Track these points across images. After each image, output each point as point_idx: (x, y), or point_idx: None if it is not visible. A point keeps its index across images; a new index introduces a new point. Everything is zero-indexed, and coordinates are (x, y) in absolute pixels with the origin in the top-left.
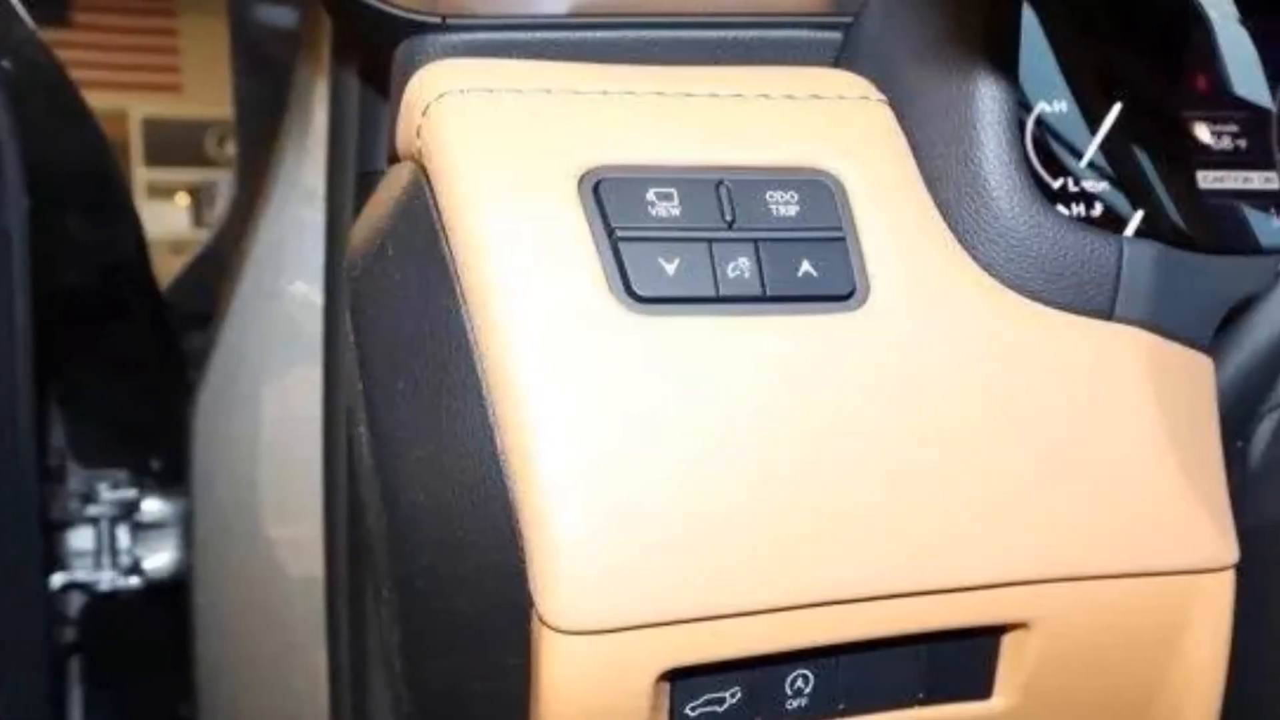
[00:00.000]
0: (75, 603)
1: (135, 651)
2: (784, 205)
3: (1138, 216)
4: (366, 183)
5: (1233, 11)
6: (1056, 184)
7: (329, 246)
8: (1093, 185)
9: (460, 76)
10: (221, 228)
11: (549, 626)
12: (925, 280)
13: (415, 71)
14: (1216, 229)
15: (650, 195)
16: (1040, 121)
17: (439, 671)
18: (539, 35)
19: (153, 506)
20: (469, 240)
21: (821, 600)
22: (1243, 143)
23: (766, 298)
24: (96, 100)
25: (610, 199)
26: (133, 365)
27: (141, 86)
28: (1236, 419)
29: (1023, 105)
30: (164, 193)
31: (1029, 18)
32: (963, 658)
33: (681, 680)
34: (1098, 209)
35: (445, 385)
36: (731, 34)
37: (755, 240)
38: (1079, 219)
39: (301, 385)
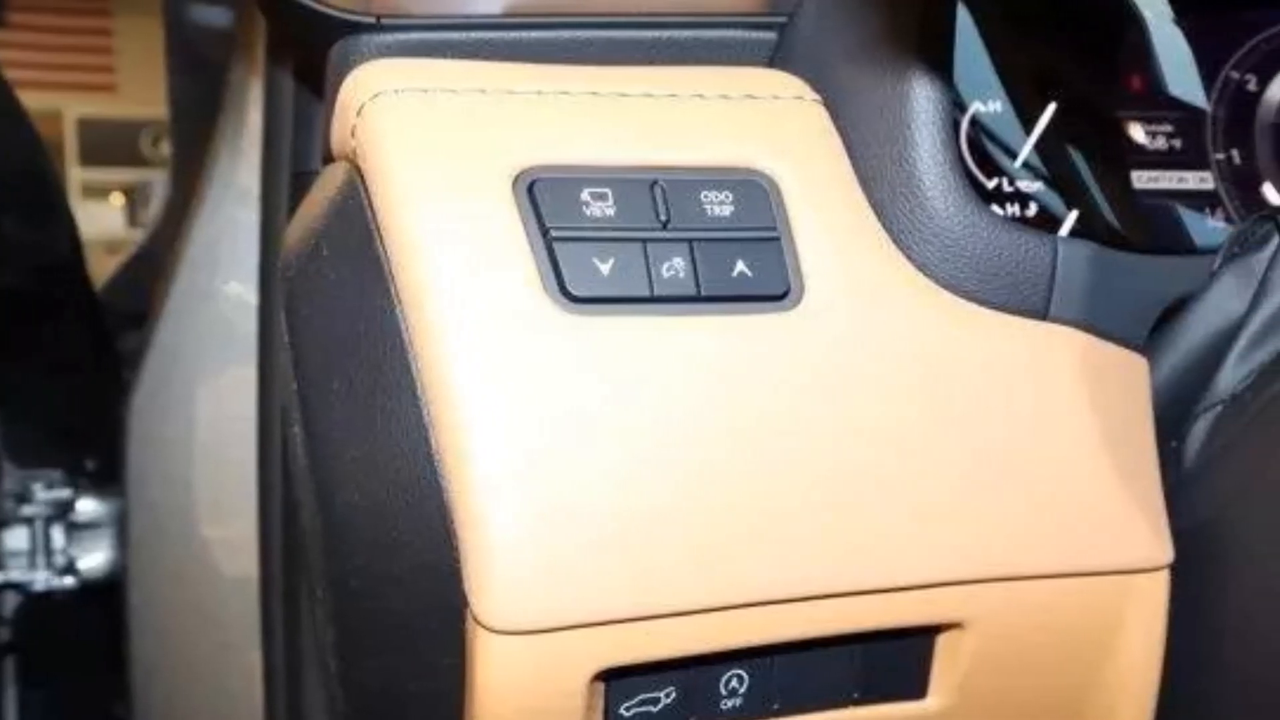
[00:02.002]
0: (9, 603)
1: (70, 651)
2: (718, 205)
3: (1072, 216)
4: (301, 183)
5: (1167, 12)
6: (991, 184)
7: (264, 247)
8: (1027, 185)
9: (395, 76)
10: (156, 228)
11: (483, 626)
12: (860, 280)
13: (350, 71)
14: (1151, 229)
15: (585, 195)
16: (975, 121)
17: (373, 671)
18: (474, 35)
19: (87, 506)
20: (403, 240)
21: (756, 600)
22: (1177, 143)
23: (701, 298)
24: (31, 100)
25: (545, 199)
26: (67, 365)
27: (76, 86)
28: (1171, 419)
29: (957, 105)
30: (99, 193)
31: (963, 17)
32: (897, 658)
33: (616, 680)
34: (1032, 209)
35: (380, 385)
36: (666, 34)
37: (690, 240)
38: (1014, 219)
39: (236, 385)
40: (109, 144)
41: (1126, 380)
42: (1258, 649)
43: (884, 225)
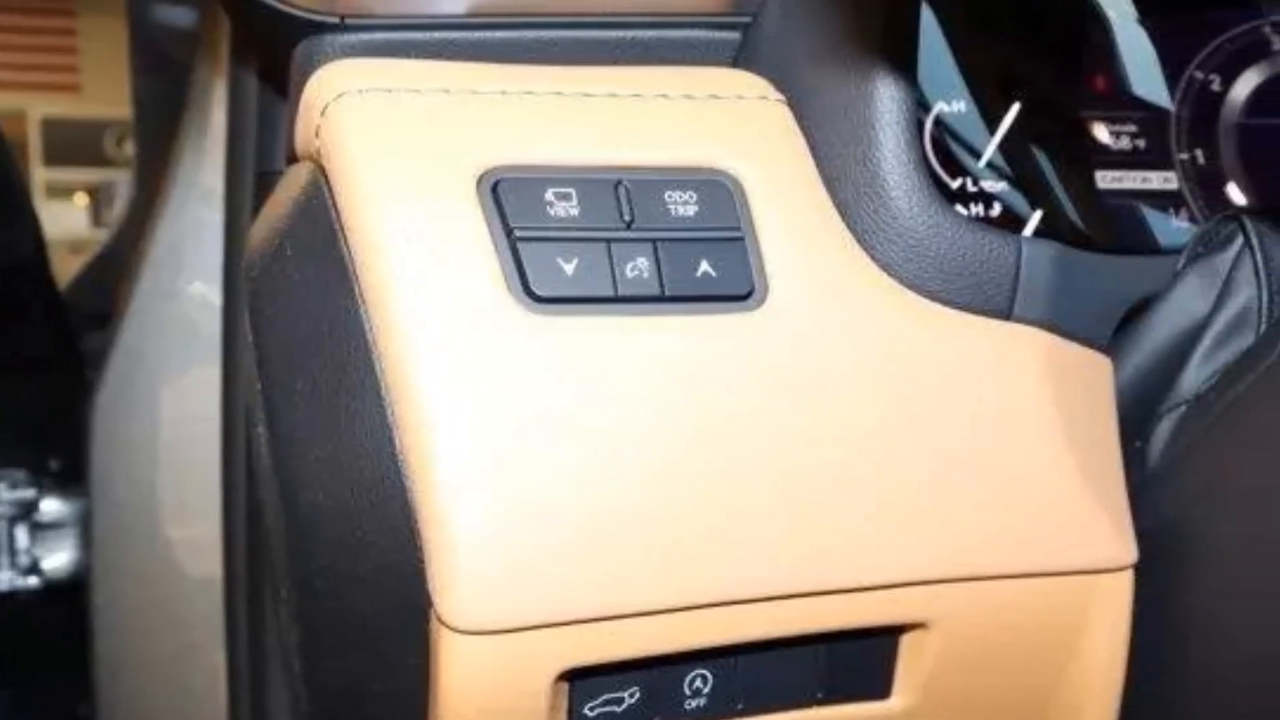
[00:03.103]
0: None
1: (34, 651)
2: (683, 205)
3: (1036, 216)
4: (265, 183)
5: (1132, 11)
6: (955, 184)
7: (228, 246)
8: (991, 185)
9: (359, 76)
10: (120, 228)
11: (447, 626)
12: (824, 280)
13: (314, 71)
14: (1115, 229)
15: (549, 195)
16: (939, 121)
17: (337, 671)
18: (438, 35)
19: (51, 506)
20: (367, 240)
21: (720, 600)
22: (1141, 143)
23: (665, 298)
24: None
25: (509, 199)
26: (31, 365)
27: (40, 86)
28: (1135, 419)
29: (921, 105)
30: (63, 193)
31: (928, 17)
32: (861, 658)
33: (580, 680)
34: (996, 209)
35: (344, 385)
36: (630, 34)
37: (654, 240)
38: (978, 219)
39: (200, 385)
40: (73, 144)
41: (1090, 380)
42: (1221, 649)
43: (848, 225)
